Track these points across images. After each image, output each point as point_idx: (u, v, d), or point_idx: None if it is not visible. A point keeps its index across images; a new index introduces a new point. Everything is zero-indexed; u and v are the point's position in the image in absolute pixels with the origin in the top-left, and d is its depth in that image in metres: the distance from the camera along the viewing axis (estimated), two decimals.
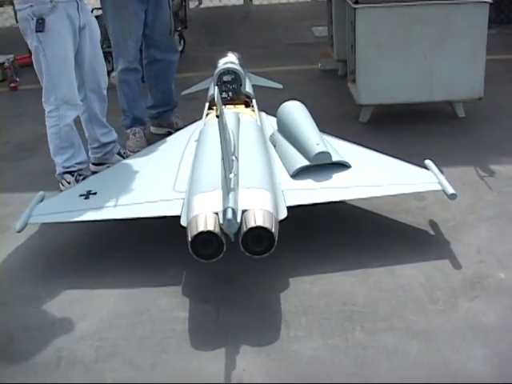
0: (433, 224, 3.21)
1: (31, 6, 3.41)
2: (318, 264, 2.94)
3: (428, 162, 3.24)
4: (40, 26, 3.39)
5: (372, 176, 3.10)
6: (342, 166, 3.17)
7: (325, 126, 3.54)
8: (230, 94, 3.77)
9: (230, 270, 2.85)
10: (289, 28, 8.22)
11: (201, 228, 2.54)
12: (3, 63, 6.34)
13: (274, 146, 3.39)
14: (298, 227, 3.18)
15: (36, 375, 2.43)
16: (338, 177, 3.10)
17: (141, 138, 4.42)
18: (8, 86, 6.32)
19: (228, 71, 3.77)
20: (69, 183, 3.71)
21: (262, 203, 2.65)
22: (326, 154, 3.11)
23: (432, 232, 3.15)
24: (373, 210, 3.33)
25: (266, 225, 2.52)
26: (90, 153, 4.07)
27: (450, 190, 2.93)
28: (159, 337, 2.58)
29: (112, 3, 4.17)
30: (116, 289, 2.92)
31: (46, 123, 3.66)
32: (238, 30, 8.42)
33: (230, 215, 2.48)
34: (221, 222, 2.54)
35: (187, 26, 6.84)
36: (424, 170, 3.18)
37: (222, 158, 2.56)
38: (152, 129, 4.73)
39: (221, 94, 3.74)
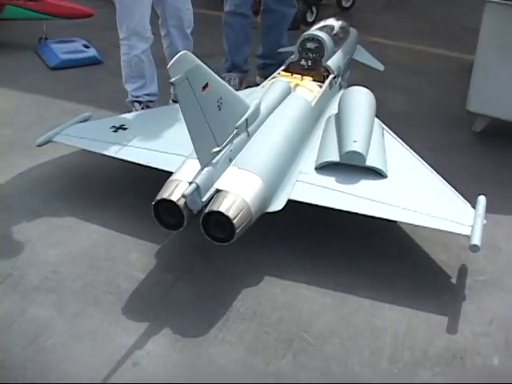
0: (462, 271, 2.73)
1: None
2: (303, 270, 2.67)
3: (481, 199, 2.73)
4: None
5: (402, 195, 2.68)
6: (377, 173, 2.78)
7: (433, 122, 3.31)
8: (310, 62, 3.45)
9: (215, 250, 2.62)
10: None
11: (164, 195, 2.40)
12: None
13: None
14: (301, 223, 2.90)
15: None
16: (364, 184, 2.74)
17: (234, 86, 4.25)
18: None
19: (312, 38, 3.45)
20: (137, 111, 3.71)
21: (241, 188, 2.43)
22: (360, 155, 2.75)
23: (454, 280, 2.68)
24: (406, 229, 2.90)
25: (228, 213, 2.31)
26: (172, 89, 4.01)
27: (474, 241, 2.44)
28: (102, 289, 2.53)
29: None
30: (104, 228, 2.91)
31: (120, 50, 3.66)
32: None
33: (187, 191, 2.29)
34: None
35: None
36: (468, 206, 2.67)
37: (209, 126, 2.34)
38: (257, 79, 4.55)
39: (301, 60, 3.45)
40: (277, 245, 2.80)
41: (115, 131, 3.13)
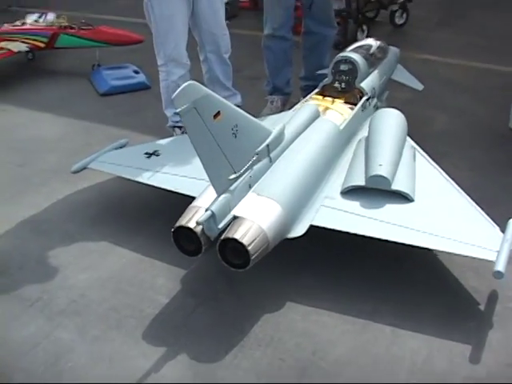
0: (492, 297, 2.66)
1: None
2: (326, 297, 2.67)
3: (511, 223, 2.65)
4: None
5: (427, 219, 2.65)
6: (404, 197, 2.75)
7: (475, 141, 3.46)
8: (343, 84, 3.47)
9: (239, 276, 2.61)
10: None
11: (182, 222, 2.47)
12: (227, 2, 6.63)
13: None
14: (325, 246, 2.90)
15: (9, 305, 2.67)
16: (389, 209, 2.72)
17: (277, 109, 4.33)
18: None
19: (345, 60, 3.46)
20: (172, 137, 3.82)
21: (258, 215, 2.46)
22: (385, 179, 2.74)
23: (482, 307, 2.61)
24: (436, 253, 2.84)
25: (243, 240, 2.36)
26: None
27: (498, 267, 2.37)
28: (125, 313, 2.62)
29: None
30: (134, 253, 3.01)
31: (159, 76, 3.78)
32: (478, 13, 7.34)
33: (201, 218, 2.36)
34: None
35: None
36: (496, 230, 2.61)
37: (223, 154, 2.40)
38: (301, 100, 4.58)
39: (334, 82, 3.48)
40: (300, 270, 2.82)
41: (148, 157, 3.23)
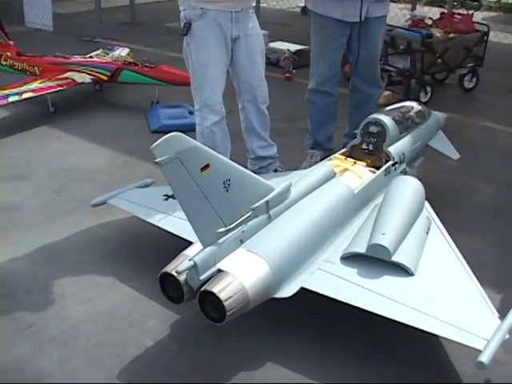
0: None
1: (184, 9, 3.65)
2: (308, 361, 2.66)
3: None
4: (185, 29, 3.62)
5: (422, 297, 2.60)
6: (404, 270, 2.73)
7: None
8: (371, 146, 3.48)
9: (228, 329, 2.64)
10: None
11: (168, 268, 2.56)
12: (285, 53, 6.80)
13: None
14: (314, 308, 2.88)
15: (4, 326, 2.83)
16: (385, 281, 2.69)
17: (315, 163, 4.36)
18: (284, 75, 6.74)
19: (375, 122, 3.48)
20: None
21: (242, 271, 2.51)
22: (385, 249, 2.72)
23: None
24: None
25: (220, 295, 2.41)
26: (247, 162, 4.20)
27: (482, 358, 2.30)
28: (108, 350, 2.72)
29: (313, 19, 4.17)
30: (135, 291, 3.13)
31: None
32: None
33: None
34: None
35: (483, 63, 6.25)
36: (494, 317, 2.52)
37: (212, 207, 2.47)
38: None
39: (362, 143, 3.50)
40: (289, 329, 2.83)
41: (166, 199, 3.35)
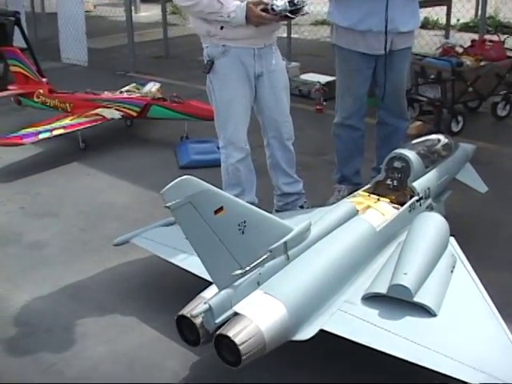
0: None
1: (207, 47, 3.70)
2: None
3: None
4: (208, 67, 3.66)
5: (444, 339, 2.55)
6: (427, 310, 2.68)
7: None
8: (395, 182, 3.46)
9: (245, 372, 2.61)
10: None
11: (184, 311, 2.57)
12: (316, 84, 6.83)
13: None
14: (333, 347, 2.82)
15: (25, 365, 2.88)
16: (407, 322, 2.64)
17: (342, 198, 4.34)
18: (315, 107, 6.76)
19: (399, 157, 3.46)
20: None
21: (259, 314, 2.50)
22: (406, 289, 2.68)
23: None
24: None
25: (235, 339, 2.40)
26: (274, 198, 4.21)
27: None
28: None
29: (337, 53, 4.18)
30: (156, 331, 3.15)
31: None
32: None
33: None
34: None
35: None
36: None
37: (227, 249, 2.48)
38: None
39: (387, 179, 3.48)
40: (306, 372, 2.80)
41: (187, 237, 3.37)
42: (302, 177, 4.28)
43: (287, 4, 3.46)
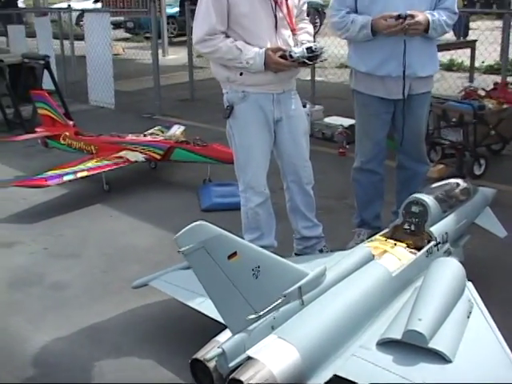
0: None
1: (227, 92, 3.81)
2: None
3: None
4: (227, 112, 3.75)
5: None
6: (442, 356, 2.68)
7: None
8: (412, 227, 3.48)
9: None
10: None
11: (198, 355, 2.61)
12: (338, 128, 6.93)
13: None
14: None
15: None
16: (421, 368, 2.64)
17: (362, 242, 4.37)
18: (338, 150, 6.83)
19: (417, 202, 3.49)
20: None
21: (272, 358, 2.53)
22: (421, 336, 2.69)
23: None
24: None
25: (249, 383, 2.42)
26: (294, 242, 4.25)
27: None
28: None
29: (356, 98, 4.25)
30: (170, 373, 3.16)
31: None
32: None
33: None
34: None
35: None
36: None
37: (241, 294, 2.53)
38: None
39: (404, 223, 3.51)
40: None
41: None
42: (323, 220, 4.32)
43: (305, 51, 3.56)
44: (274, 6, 3.65)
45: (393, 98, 4.10)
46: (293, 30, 3.76)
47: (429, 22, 3.89)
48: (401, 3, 3.89)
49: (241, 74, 3.67)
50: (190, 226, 2.35)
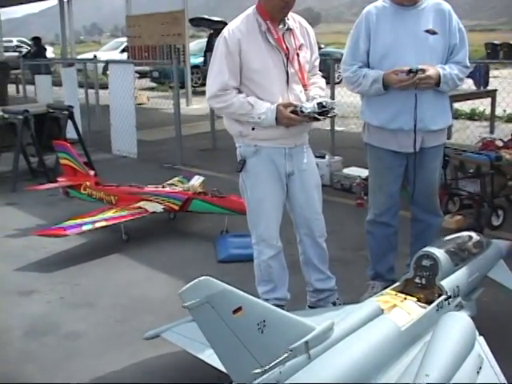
0: None
1: (239, 146, 3.92)
2: None
3: None
4: (240, 166, 3.86)
5: None
6: None
7: None
8: (423, 280, 3.51)
9: None
10: None
11: None
12: (356, 179, 7.01)
13: None
14: None
15: None
16: None
17: (375, 294, 4.39)
18: (355, 201, 6.89)
19: (427, 255, 3.52)
20: None
21: None
22: None
23: None
24: None
25: None
26: (307, 295, 4.29)
27: None
28: None
29: (369, 151, 4.34)
30: None
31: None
32: None
33: None
34: None
35: None
36: None
37: (246, 348, 2.57)
38: None
39: (415, 277, 3.54)
40: None
41: None
42: (338, 272, 4.37)
43: (316, 106, 3.67)
44: (285, 62, 3.79)
45: (405, 151, 4.18)
46: (304, 86, 3.88)
47: (440, 76, 3.99)
48: (412, 57, 4.01)
49: (253, 128, 3.78)
50: (194, 281, 2.42)
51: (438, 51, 4.10)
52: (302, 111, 3.69)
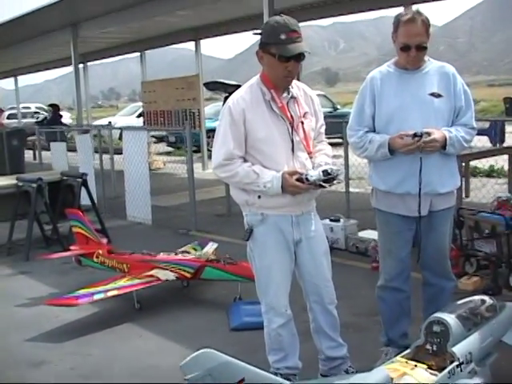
0: None
1: (246, 215, 4.02)
2: None
3: None
4: (247, 234, 3.95)
5: None
6: None
7: None
8: (434, 347, 3.53)
9: None
10: None
11: None
12: (371, 242, 7.05)
13: None
14: None
15: None
16: None
17: (389, 360, 4.39)
18: (370, 265, 6.92)
19: (438, 321, 3.55)
20: None
21: None
22: None
23: None
24: None
25: None
26: (319, 363, 4.31)
27: None
28: None
29: (377, 216, 4.41)
30: None
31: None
32: None
33: None
34: None
35: None
36: None
37: None
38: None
39: (426, 343, 3.56)
40: None
41: None
42: (351, 338, 4.38)
43: (321, 174, 3.77)
44: (290, 130, 3.92)
45: (414, 215, 4.24)
46: (309, 153, 4.00)
47: (446, 138, 4.09)
48: (417, 121, 4.12)
49: (259, 197, 3.89)
50: (195, 353, 2.49)
51: (444, 114, 4.21)
52: (307, 179, 3.79)
